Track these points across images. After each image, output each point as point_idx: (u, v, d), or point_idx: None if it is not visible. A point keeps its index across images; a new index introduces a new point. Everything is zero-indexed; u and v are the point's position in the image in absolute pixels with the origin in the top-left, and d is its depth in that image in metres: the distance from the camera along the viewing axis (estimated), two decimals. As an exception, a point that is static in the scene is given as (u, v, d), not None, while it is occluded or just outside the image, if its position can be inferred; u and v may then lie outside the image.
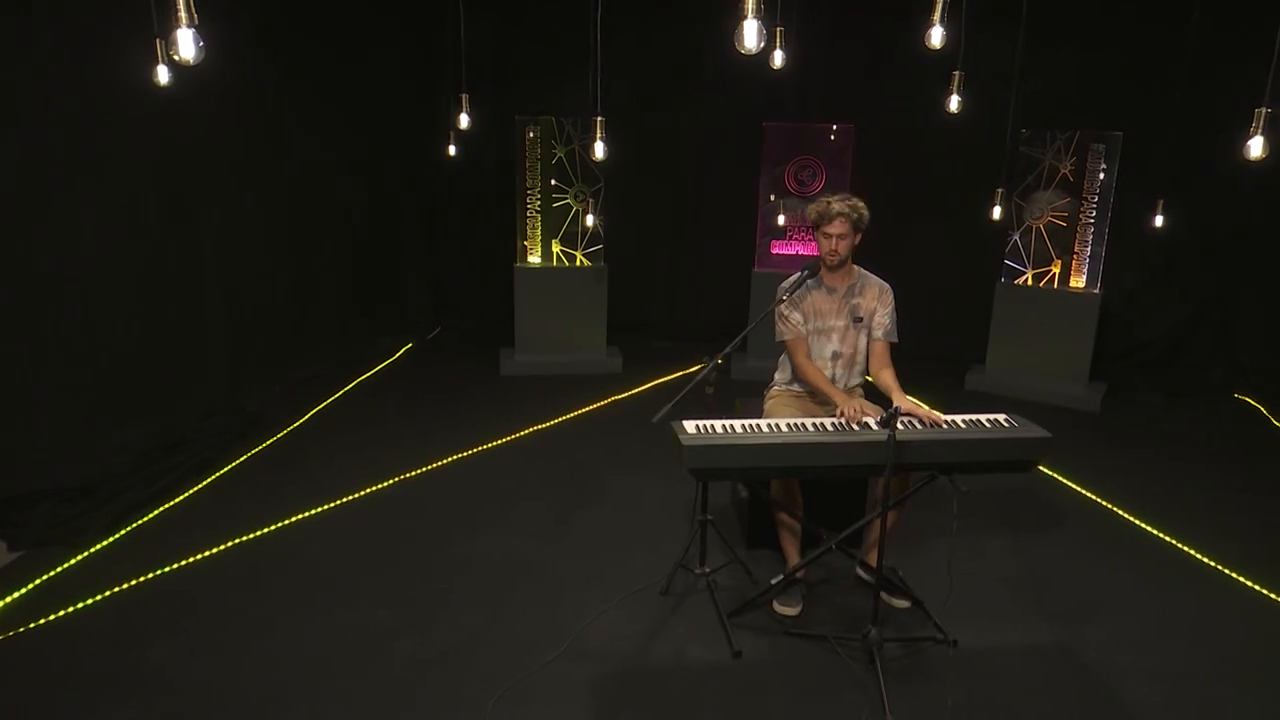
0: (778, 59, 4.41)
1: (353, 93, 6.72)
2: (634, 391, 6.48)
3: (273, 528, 4.29)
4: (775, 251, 6.91)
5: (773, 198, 6.88)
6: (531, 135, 6.61)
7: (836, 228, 3.63)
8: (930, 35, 3.34)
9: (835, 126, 6.70)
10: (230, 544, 4.12)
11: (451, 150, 5.91)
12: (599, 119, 3.89)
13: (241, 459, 5.09)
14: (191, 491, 4.67)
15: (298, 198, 6.33)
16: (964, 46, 4.15)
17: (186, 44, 2.26)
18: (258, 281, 6.00)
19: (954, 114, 4.34)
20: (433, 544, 4.18)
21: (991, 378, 6.75)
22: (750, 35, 2.24)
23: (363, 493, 4.69)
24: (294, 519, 4.39)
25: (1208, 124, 5.95)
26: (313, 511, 4.46)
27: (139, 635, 3.41)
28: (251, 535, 4.21)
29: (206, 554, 4.02)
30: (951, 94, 4.24)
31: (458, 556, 4.07)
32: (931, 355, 7.18)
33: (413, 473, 4.96)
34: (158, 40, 3.31)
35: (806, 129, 6.80)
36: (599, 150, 4.00)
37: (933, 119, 5.25)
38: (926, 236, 7.23)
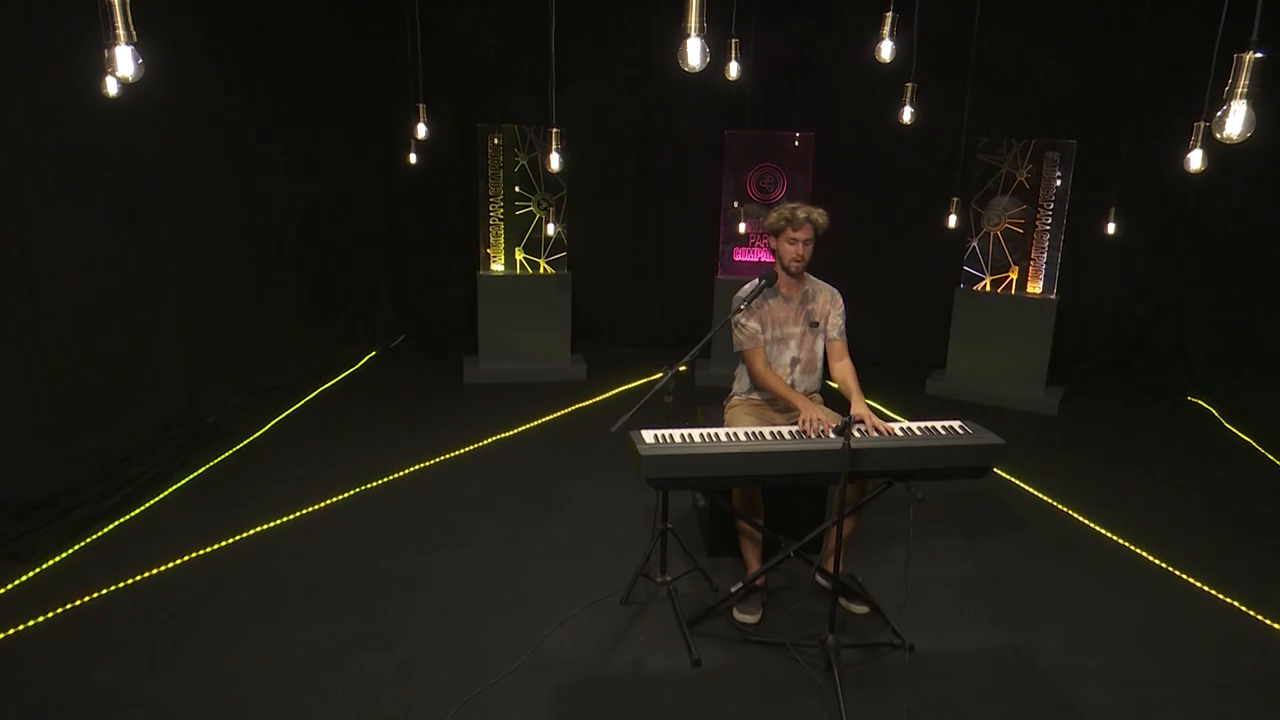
0: (733, 70, 4.44)
1: (313, 101, 6.68)
2: (598, 399, 6.49)
3: (231, 540, 4.25)
4: (738, 258, 6.95)
5: (736, 204, 6.92)
6: (496, 142, 6.61)
7: (804, 233, 3.69)
8: (880, 49, 3.38)
9: (798, 134, 6.76)
10: (187, 558, 4.07)
11: (412, 158, 5.89)
12: (555, 130, 3.89)
13: (200, 470, 5.04)
14: (148, 504, 4.61)
15: (257, 206, 6.27)
16: (916, 58, 4.21)
17: (125, 62, 2.22)
18: (217, 290, 5.94)
19: (908, 125, 4.40)
20: (393, 555, 4.16)
21: (952, 382, 6.83)
22: (693, 54, 2.27)
23: (323, 504, 4.66)
24: (253, 531, 4.35)
25: (1160, 132, 6.08)
26: (272, 524, 4.43)
27: (91, 654, 3.36)
28: (209, 549, 4.17)
29: (163, 568, 3.98)
30: (905, 105, 4.30)
31: (419, 567, 4.06)
32: (893, 360, 7.28)
33: (374, 483, 4.93)
34: (105, 52, 3.26)
35: (767, 137, 6.85)
36: (555, 162, 4.01)
37: (892, 127, 5.32)
38: (887, 243, 7.32)
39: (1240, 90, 1.90)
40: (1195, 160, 3.03)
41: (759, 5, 6.27)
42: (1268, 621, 3.78)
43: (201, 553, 4.12)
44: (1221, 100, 1.91)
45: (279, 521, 4.45)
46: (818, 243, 3.78)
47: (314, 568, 4.03)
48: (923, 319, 7.24)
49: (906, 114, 4.37)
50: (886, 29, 3.27)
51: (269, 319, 6.51)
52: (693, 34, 2.21)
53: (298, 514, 4.53)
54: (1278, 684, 3.38)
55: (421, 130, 5.25)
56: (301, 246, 6.83)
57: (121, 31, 2.17)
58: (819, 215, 3.71)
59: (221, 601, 3.74)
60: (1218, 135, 1.99)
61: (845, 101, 6.88)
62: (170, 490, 4.77)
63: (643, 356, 7.44)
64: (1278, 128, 6.06)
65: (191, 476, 4.95)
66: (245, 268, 6.23)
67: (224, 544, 4.21)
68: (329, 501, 4.69)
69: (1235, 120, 1.93)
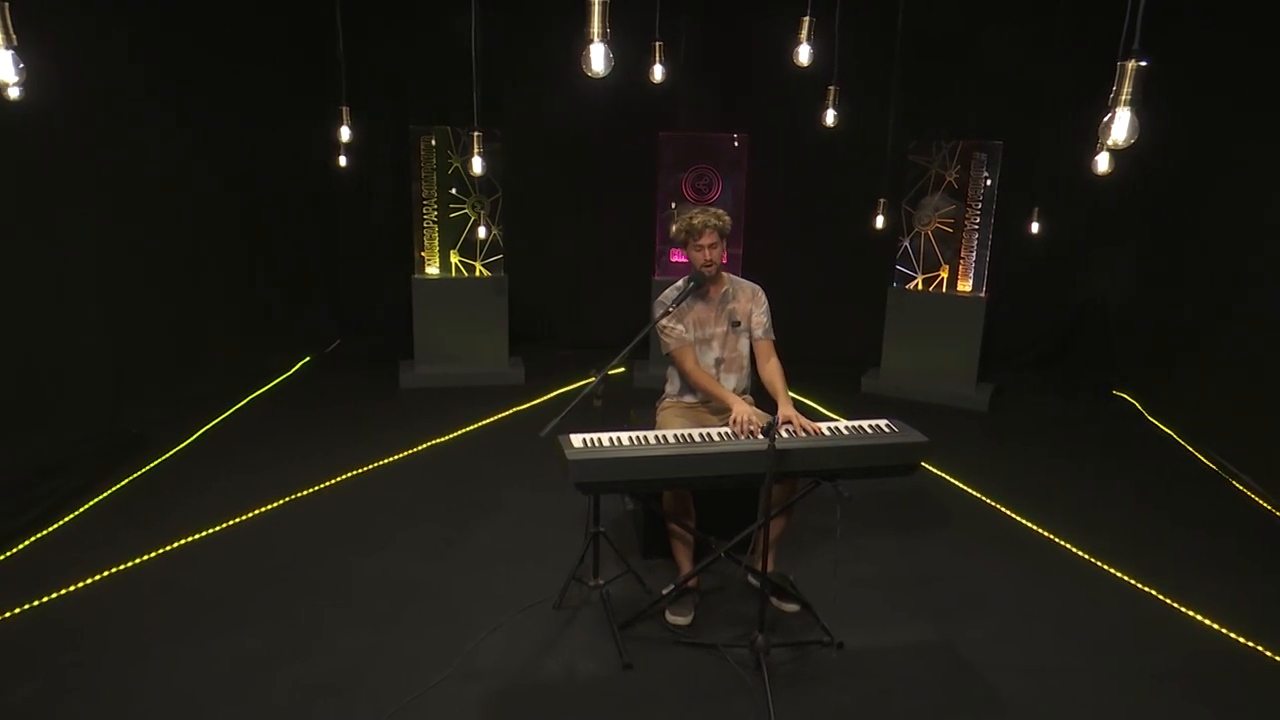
0: (658, 73, 4.45)
1: (243, 102, 6.53)
2: (536, 402, 6.46)
3: (153, 554, 4.13)
4: (675, 259, 6.97)
5: (673, 206, 6.93)
6: (434, 143, 6.53)
7: (708, 239, 3.70)
8: (798, 53, 3.41)
9: (736, 135, 6.80)
10: (107, 573, 3.95)
11: (342, 161, 5.80)
12: (476, 133, 3.86)
13: (123, 483, 4.90)
14: (67, 519, 4.46)
15: (184, 210, 6.11)
16: (838, 61, 4.25)
17: (6, 67, 2.13)
18: (142, 297, 5.77)
19: (832, 127, 4.45)
20: (321, 565, 4.09)
21: (886, 380, 6.93)
22: (597, 59, 2.26)
23: (251, 514, 4.56)
24: (177, 544, 4.24)
25: (1085, 132, 6.22)
26: (197, 536, 4.32)
27: (3, 678, 3.24)
28: (130, 563, 4.05)
29: (81, 585, 3.85)
30: (828, 108, 4.35)
31: (346, 577, 3.99)
32: (829, 359, 7.35)
33: (304, 491, 4.84)
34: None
35: (702, 138, 6.88)
36: (477, 165, 3.97)
37: (825, 129, 5.37)
38: (822, 243, 7.40)
39: (1124, 97, 1.95)
40: (1103, 163, 3.10)
41: (689, 7, 6.31)
42: (1186, 610, 3.88)
43: (121, 568, 4.00)
44: (1107, 107, 1.96)
45: (203, 534, 4.34)
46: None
47: (238, 580, 3.94)
48: (858, 318, 7.33)
49: (829, 116, 4.42)
50: (804, 33, 3.30)
51: (197, 325, 6.36)
52: (596, 39, 2.20)
53: (223, 525, 4.43)
54: (1195, 671, 3.48)
55: (345, 133, 5.17)
56: (231, 251, 6.68)
57: (1, 36, 2.07)
58: (716, 218, 3.73)
59: (140, 618, 3.64)
60: (1104, 141, 2.04)
61: (778, 103, 6.92)
62: (90, 504, 4.63)
63: (582, 359, 7.35)
64: (1193, 130, 6.27)
65: (113, 489, 4.81)
66: (172, 273, 6.07)
67: (144, 558, 4.09)
68: (256, 511, 4.59)
69: (1120, 127, 1.99)
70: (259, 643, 3.48)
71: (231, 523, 4.46)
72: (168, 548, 4.20)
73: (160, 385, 5.94)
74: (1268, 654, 3.57)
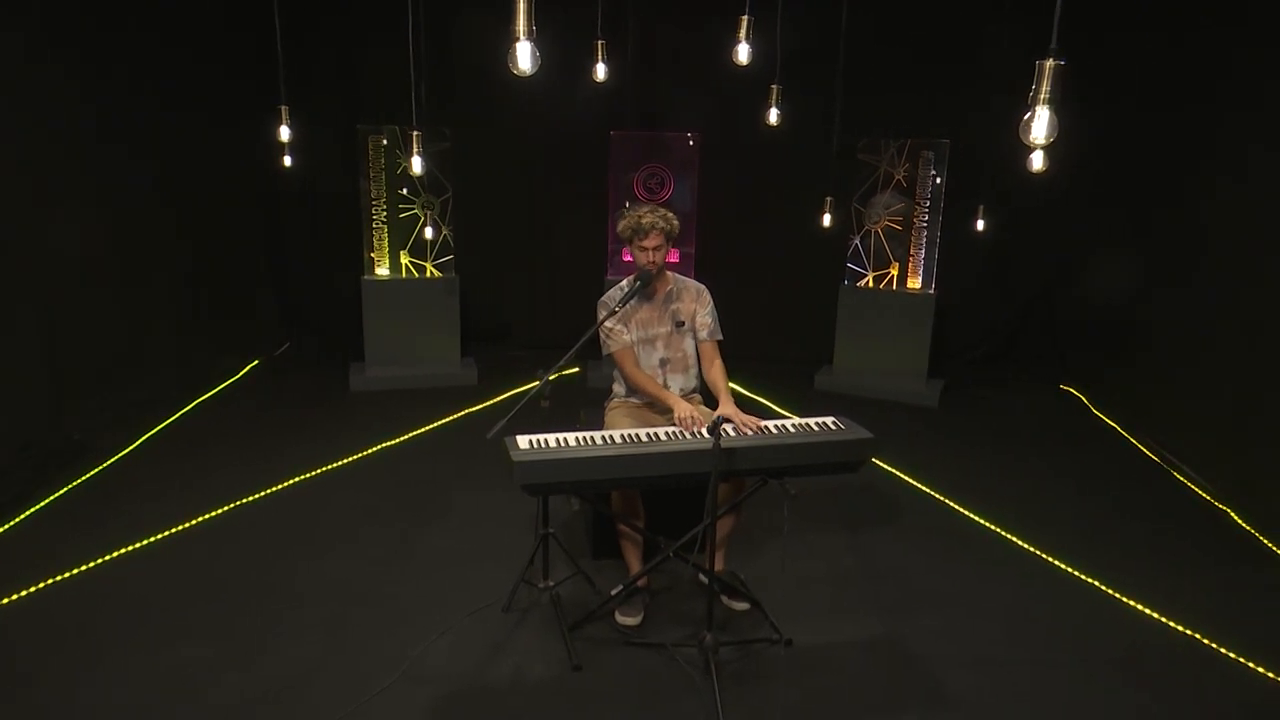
0: (600, 71, 4.44)
1: (184, 101, 6.40)
2: (488, 403, 6.41)
3: (95, 563, 4.04)
4: (628, 259, 6.96)
5: (627, 205, 6.92)
6: (385, 143, 6.46)
7: (652, 240, 3.70)
8: (737, 52, 3.42)
9: (690, 134, 6.81)
10: (46, 583, 3.85)
11: (287, 161, 5.71)
12: (415, 133, 3.82)
13: (63, 490, 4.78)
14: (6, 528, 4.35)
15: (123, 211, 5.97)
16: (780, 60, 4.27)
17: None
18: (82, 301, 5.63)
19: (775, 126, 4.47)
20: (266, 572, 4.02)
21: (839, 377, 6.98)
22: (523, 58, 2.24)
23: (195, 521, 4.48)
24: (119, 552, 4.14)
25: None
26: (140, 543, 4.23)
27: (-69, 691, 3.16)
28: (71, 573, 3.95)
29: (19, 596, 3.75)
30: (771, 107, 4.36)
31: (292, 584, 3.93)
32: (783, 357, 7.40)
33: (250, 497, 4.77)
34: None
35: (653, 138, 6.88)
36: (417, 165, 3.93)
37: (775, 128, 5.39)
38: (774, 241, 7.44)
39: (1043, 96, 1.98)
40: (1037, 161, 3.16)
41: (636, 6, 6.31)
42: (1126, 600, 3.96)
43: (61, 577, 3.91)
44: (1027, 105, 1.99)
45: (145, 542, 4.25)
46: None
47: (182, 588, 3.87)
48: (810, 316, 7.37)
49: (773, 115, 4.44)
50: (742, 32, 3.30)
51: (140, 329, 6.22)
52: (522, 38, 2.18)
53: (167, 533, 4.34)
54: (1135, 660, 3.55)
55: (285, 133, 5.09)
56: (173, 252, 6.54)
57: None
58: (663, 220, 3.73)
59: (81, 628, 3.55)
60: (1024, 139, 2.07)
61: (727, 102, 6.94)
62: (27, 513, 4.51)
63: (536, 359, 7.31)
64: (1133, 129, 6.40)
65: (52, 498, 4.69)
66: (112, 276, 5.93)
67: (86, 567, 4.00)
68: (202, 518, 4.51)
69: (1040, 125, 2.01)
70: (202, 651, 3.41)
71: (176, 529, 4.38)
72: (110, 556, 4.10)
73: (102, 390, 5.81)
74: (1204, 641, 3.65)
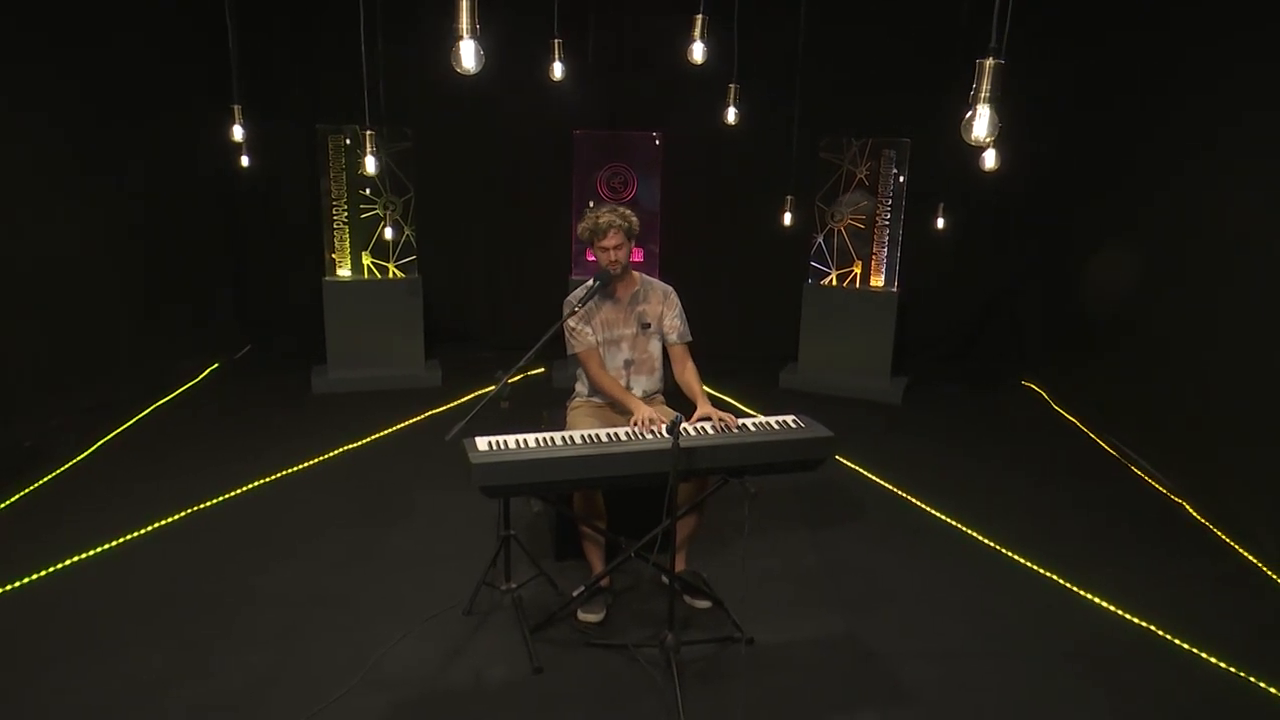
0: (557, 70, 4.42)
1: (138, 100, 6.30)
2: (452, 404, 6.37)
3: (46, 572, 3.96)
4: (592, 258, 6.92)
5: (590, 205, 6.90)
6: (348, 142, 6.40)
7: (612, 239, 3.69)
8: (692, 51, 3.42)
9: (655, 134, 6.80)
10: (-5, 593, 3.78)
11: (244, 161, 5.63)
12: (369, 132, 3.78)
13: (13, 499, 4.68)
14: (-50, 539, 4.26)
15: (76, 213, 5.87)
16: (738, 59, 4.28)
17: None
18: (33, 304, 5.53)
19: (734, 125, 4.47)
20: (222, 579, 3.96)
21: (804, 375, 7.01)
22: (467, 56, 2.22)
23: (150, 527, 4.40)
24: (70, 561, 4.06)
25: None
26: (93, 551, 4.15)
27: (-127, 706, 3.08)
28: (21, 582, 3.87)
29: (-37, 608, 3.68)
30: (729, 106, 4.37)
31: (250, 590, 3.88)
32: (748, 355, 7.42)
33: (208, 503, 4.69)
34: None
35: (616, 136, 6.87)
36: (371, 164, 3.89)
37: (738, 127, 5.40)
38: (739, 240, 7.45)
39: (984, 95, 1.99)
40: (989, 160, 3.18)
41: (598, 4, 6.29)
42: (1083, 593, 4.01)
43: (11, 586, 3.82)
44: (968, 104, 2.01)
45: (99, 550, 4.17)
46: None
47: (134, 596, 3.80)
48: (776, 314, 7.39)
49: (731, 115, 4.44)
50: (697, 31, 3.30)
51: (95, 333, 6.12)
52: (465, 36, 2.16)
53: (121, 540, 4.26)
54: (1091, 652, 3.59)
55: (238, 133, 5.02)
56: (127, 253, 6.43)
57: None
58: (621, 219, 3.72)
59: (32, 638, 3.48)
60: (965, 138, 2.09)
61: (692, 101, 6.95)
62: (-23, 521, 4.43)
63: (501, 360, 7.27)
64: (1093, 129, 6.48)
65: (3, 505, 4.60)
66: (66, 278, 5.83)
67: (36, 576, 3.92)
68: (157, 525, 4.43)
69: (980, 124, 2.03)
70: (156, 660, 3.36)
71: (130, 536, 4.30)
72: (61, 564, 4.03)
73: (55, 395, 5.71)
74: (1159, 633, 3.70)
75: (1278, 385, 4.49)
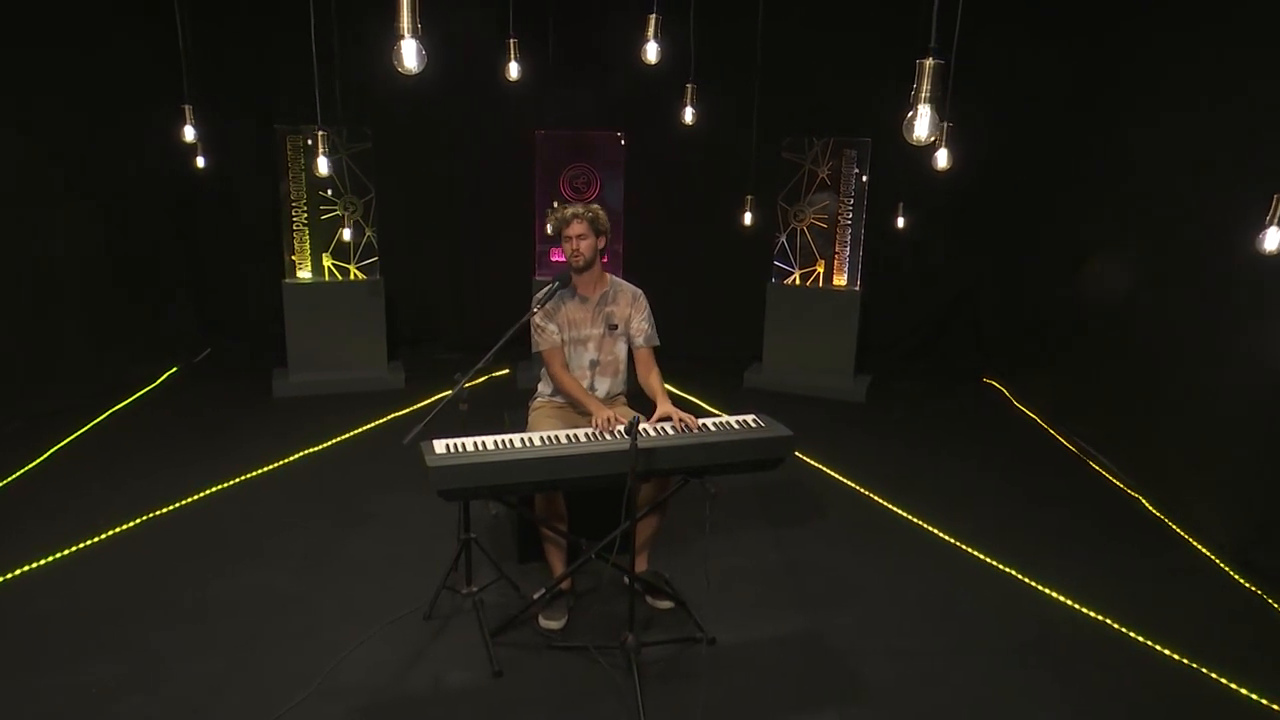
0: (513, 70, 4.40)
1: (91, 103, 6.18)
2: (415, 407, 6.31)
3: (-5, 583, 3.89)
4: (555, 259, 6.93)
5: (555, 205, 6.89)
6: (309, 143, 6.32)
7: (575, 229, 3.68)
8: (646, 51, 3.41)
9: (620, 133, 6.79)
10: (-62, 606, 3.69)
11: (200, 162, 5.55)
12: (321, 132, 3.74)
13: (-37, 507, 4.59)
14: (-103, 549, 4.16)
15: (23, 211, 5.76)
16: (696, 59, 4.28)
17: None
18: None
19: (691, 125, 4.47)
20: (177, 586, 3.90)
21: (768, 375, 7.03)
22: (409, 56, 2.20)
23: (104, 535, 4.32)
24: (21, 570, 3.97)
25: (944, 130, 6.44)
26: (42, 561, 4.06)
27: None
28: (-35, 594, 3.80)
29: (-92, 620, 3.59)
30: (686, 106, 4.37)
31: (204, 598, 3.82)
32: (713, 355, 7.44)
33: (164, 509, 4.62)
34: None
35: (579, 137, 6.85)
36: (323, 165, 3.85)
37: (699, 127, 5.40)
38: (703, 240, 7.45)
39: (924, 95, 2.01)
40: (942, 159, 3.20)
41: (557, 5, 6.27)
42: (1041, 587, 4.05)
43: (-45, 599, 3.75)
44: (908, 104, 2.02)
45: (50, 559, 4.09)
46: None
47: (86, 605, 3.72)
48: (740, 314, 7.41)
49: (688, 115, 4.44)
50: (651, 30, 3.30)
51: (48, 337, 6.00)
52: (406, 35, 2.13)
53: (73, 549, 4.18)
54: (1047, 645, 3.63)
55: (190, 133, 4.94)
56: (82, 255, 6.31)
57: None
58: (586, 209, 3.72)
59: (-24, 652, 3.41)
60: (906, 138, 2.10)
61: (654, 101, 6.94)
62: (-77, 532, 4.32)
63: (465, 361, 7.26)
64: (1045, 127, 6.55)
65: (-49, 514, 4.51)
66: (18, 281, 5.72)
67: (-17, 588, 3.84)
68: (111, 532, 4.35)
69: (921, 123, 2.04)
70: (106, 671, 3.29)
71: (83, 545, 4.22)
72: (12, 574, 3.94)
73: (7, 401, 5.60)
74: (1114, 625, 3.75)
75: (1227, 381, 4.57)
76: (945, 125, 3.16)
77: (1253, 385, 4.34)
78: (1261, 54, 4.51)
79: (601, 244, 3.78)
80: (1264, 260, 2.95)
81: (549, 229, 3.79)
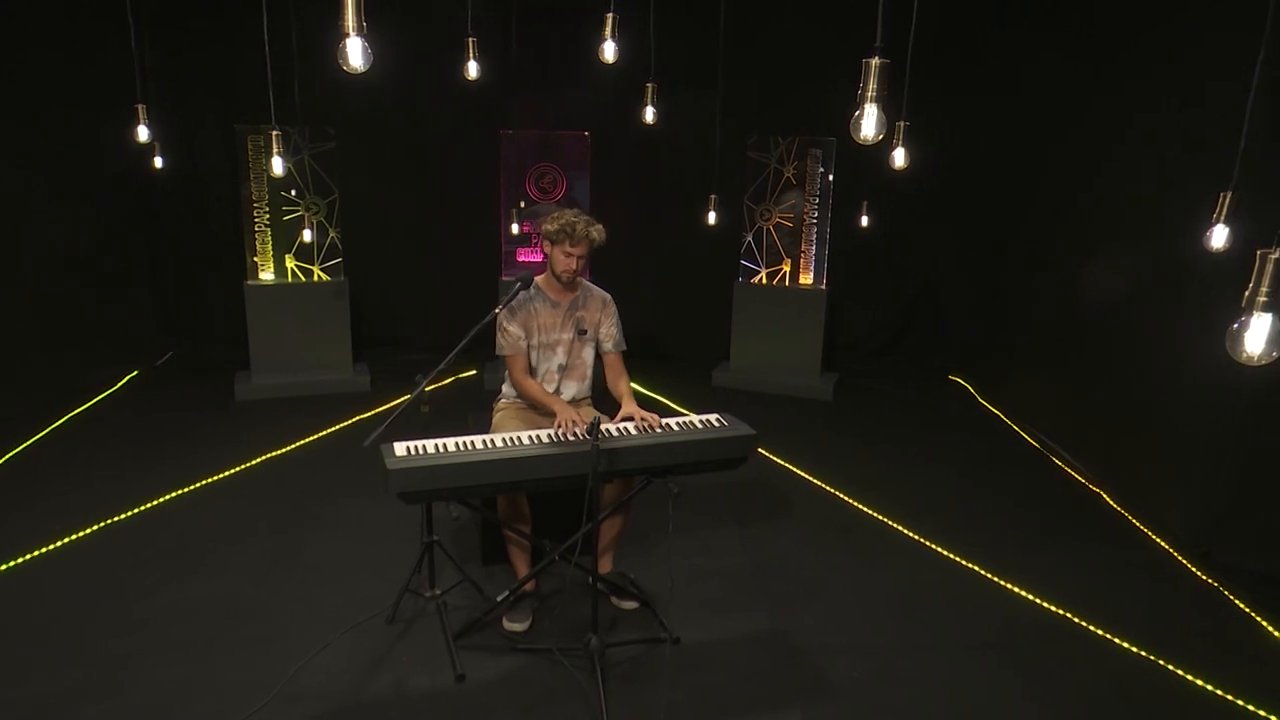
0: (472, 69, 4.38)
1: (47, 102, 6.06)
2: (380, 409, 6.25)
3: (-55, 593, 3.80)
4: (521, 259, 6.90)
5: (522, 205, 6.86)
6: (275, 143, 6.23)
7: (580, 250, 3.63)
8: (603, 50, 3.40)
9: (586, 133, 6.77)
10: (-113, 617, 3.61)
11: (157, 162, 5.47)
12: (275, 132, 3.69)
13: (-87, 516, 4.49)
14: None
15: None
16: (656, 57, 4.27)
17: None
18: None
19: (652, 124, 4.47)
20: (135, 593, 3.83)
21: (736, 374, 7.04)
22: (354, 54, 2.17)
23: (61, 542, 4.24)
24: (-28, 580, 3.90)
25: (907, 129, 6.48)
26: (0, 568, 4.00)
27: None
28: (-82, 604, 3.71)
29: None
30: (647, 105, 4.36)
31: (163, 604, 3.76)
32: (681, 355, 7.44)
33: (123, 515, 4.54)
34: None
35: (545, 136, 6.83)
36: (277, 165, 3.80)
37: (664, 126, 5.39)
38: (669, 239, 7.44)
39: (870, 94, 2.01)
40: (899, 158, 3.22)
41: (520, 4, 6.24)
42: (1003, 583, 4.08)
43: (-95, 610, 3.66)
44: (856, 104, 2.02)
45: (5, 566, 4.00)
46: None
47: (37, 615, 3.65)
48: (707, 313, 7.41)
49: (649, 114, 4.44)
50: (608, 30, 3.28)
51: (3, 341, 5.87)
52: (351, 33, 2.11)
53: (26, 557, 4.10)
54: (1012, 640, 3.66)
55: (144, 133, 4.87)
56: (42, 258, 6.20)
57: None
58: (597, 232, 3.65)
59: (-75, 663, 3.33)
60: (854, 137, 2.10)
61: (619, 101, 6.94)
62: (-128, 541, 4.22)
63: (431, 363, 7.19)
64: (1013, 125, 6.61)
65: (-99, 523, 4.40)
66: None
67: (-66, 597, 3.76)
68: (69, 539, 4.27)
69: (869, 123, 2.05)
70: (61, 682, 3.23)
71: (38, 552, 4.14)
72: (-39, 584, 3.86)
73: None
74: (1075, 620, 3.79)
75: (1184, 378, 4.63)
76: (901, 124, 3.18)
77: (1213, 384, 4.39)
78: (1217, 56, 4.57)
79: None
80: (1216, 257, 2.98)
81: (547, 228, 3.70)
